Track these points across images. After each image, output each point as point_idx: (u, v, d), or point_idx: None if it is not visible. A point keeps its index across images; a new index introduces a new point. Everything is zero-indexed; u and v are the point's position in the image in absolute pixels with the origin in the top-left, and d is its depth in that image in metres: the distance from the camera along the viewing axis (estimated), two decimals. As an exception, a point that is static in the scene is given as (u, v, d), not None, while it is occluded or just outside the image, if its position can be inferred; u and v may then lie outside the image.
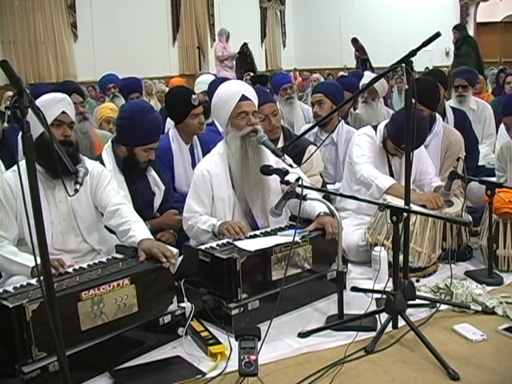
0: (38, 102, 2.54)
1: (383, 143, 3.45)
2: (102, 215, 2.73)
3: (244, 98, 2.89)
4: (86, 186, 2.66)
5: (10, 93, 7.84)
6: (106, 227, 2.81)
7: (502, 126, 4.13)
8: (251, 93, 2.96)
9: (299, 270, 2.73)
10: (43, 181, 2.58)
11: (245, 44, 11.94)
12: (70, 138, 2.62)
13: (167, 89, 7.15)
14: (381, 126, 3.49)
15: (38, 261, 1.62)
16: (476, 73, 5.88)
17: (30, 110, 1.59)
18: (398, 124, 3.20)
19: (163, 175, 3.36)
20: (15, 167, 2.61)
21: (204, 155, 3.44)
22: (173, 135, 3.77)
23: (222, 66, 10.61)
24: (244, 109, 2.88)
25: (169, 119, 4.87)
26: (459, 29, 9.89)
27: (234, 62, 10.89)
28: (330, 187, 4.00)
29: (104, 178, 2.75)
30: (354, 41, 12.87)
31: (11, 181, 2.56)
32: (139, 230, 2.56)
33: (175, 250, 2.51)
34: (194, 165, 3.65)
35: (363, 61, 12.43)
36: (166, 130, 4.56)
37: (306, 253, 2.74)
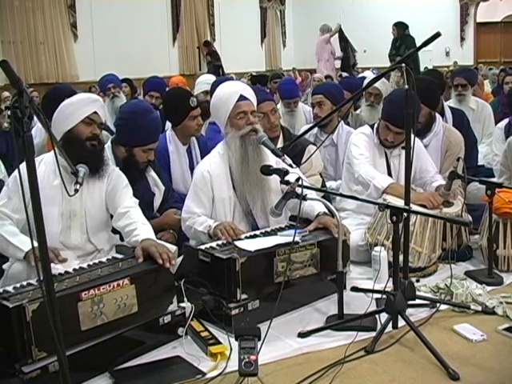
0: (74, 98, 2.73)
1: (377, 134, 3.45)
2: (111, 217, 2.75)
3: (242, 98, 2.89)
4: (103, 186, 2.72)
5: (7, 93, 7.85)
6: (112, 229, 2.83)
7: (496, 128, 4.14)
8: (250, 93, 2.96)
9: (302, 272, 2.72)
10: (63, 174, 2.58)
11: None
12: (98, 135, 2.69)
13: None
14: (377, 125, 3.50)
15: (35, 244, 1.63)
16: (476, 72, 5.89)
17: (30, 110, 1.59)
18: (389, 99, 3.41)
19: (163, 175, 3.36)
20: (38, 158, 2.67)
21: (202, 156, 3.44)
22: (170, 137, 3.77)
23: (328, 62, 10.55)
24: (243, 109, 2.87)
25: (169, 119, 4.88)
26: (399, 26, 9.36)
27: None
28: (331, 184, 4.01)
29: (122, 181, 2.79)
30: (206, 44, 12.18)
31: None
32: (144, 231, 2.57)
33: (174, 248, 2.51)
34: (191, 166, 3.66)
35: (216, 67, 11.66)
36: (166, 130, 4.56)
37: (313, 256, 2.73)
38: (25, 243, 2.44)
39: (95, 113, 2.68)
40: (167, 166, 3.70)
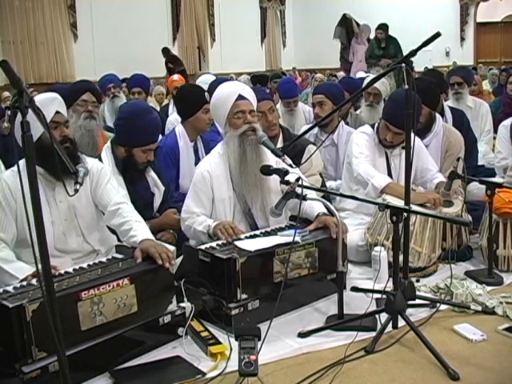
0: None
1: (377, 134, 3.45)
2: (103, 214, 2.73)
3: (241, 97, 2.89)
4: (86, 184, 2.64)
5: (7, 93, 7.86)
6: (107, 227, 2.81)
7: (500, 125, 4.15)
8: (248, 92, 2.95)
9: (300, 271, 2.72)
10: (43, 182, 2.57)
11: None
12: (68, 136, 2.60)
13: (164, 90, 7.18)
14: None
15: (39, 266, 1.61)
16: (472, 72, 5.91)
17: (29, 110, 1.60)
18: (390, 99, 3.45)
19: (163, 175, 3.35)
20: (14, 167, 2.60)
21: (207, 154, 3.44)
22: (180, 132, 3.80)
23: (361, 62, 10.49)
24: (241, 108, 2.87)
25: (170, 119, 4.90)
26: (384, 28, 9.43)
27: None
28: (331, 184, 4.01)
29: (104, 175, 2.73)
30: (165, 51, 11.74)
31: (10, 180, 2.53)
32: (140, 230, 2.56)
33: (172, 248, 2.51)
34: (197, 163, 3.66)
35: (180, 73, 11.04)
36: (165, 131, 4.57)
37: (310, 255, 2.73)
38: (20, 270, 2.37)
39: (58, 112, 2.54)
40: (176, 162, 3.71)
